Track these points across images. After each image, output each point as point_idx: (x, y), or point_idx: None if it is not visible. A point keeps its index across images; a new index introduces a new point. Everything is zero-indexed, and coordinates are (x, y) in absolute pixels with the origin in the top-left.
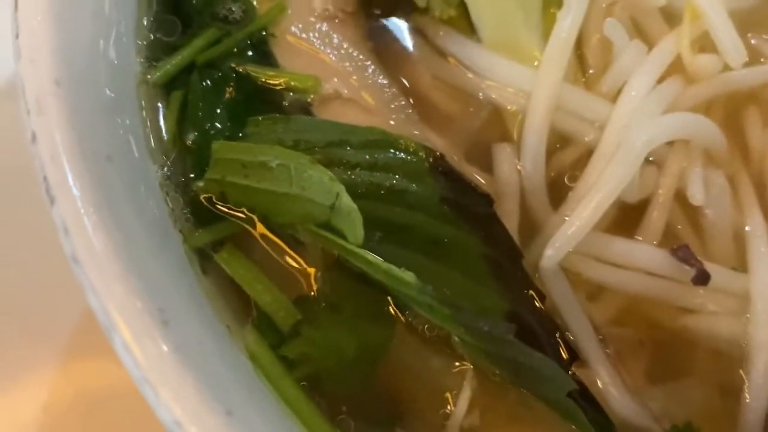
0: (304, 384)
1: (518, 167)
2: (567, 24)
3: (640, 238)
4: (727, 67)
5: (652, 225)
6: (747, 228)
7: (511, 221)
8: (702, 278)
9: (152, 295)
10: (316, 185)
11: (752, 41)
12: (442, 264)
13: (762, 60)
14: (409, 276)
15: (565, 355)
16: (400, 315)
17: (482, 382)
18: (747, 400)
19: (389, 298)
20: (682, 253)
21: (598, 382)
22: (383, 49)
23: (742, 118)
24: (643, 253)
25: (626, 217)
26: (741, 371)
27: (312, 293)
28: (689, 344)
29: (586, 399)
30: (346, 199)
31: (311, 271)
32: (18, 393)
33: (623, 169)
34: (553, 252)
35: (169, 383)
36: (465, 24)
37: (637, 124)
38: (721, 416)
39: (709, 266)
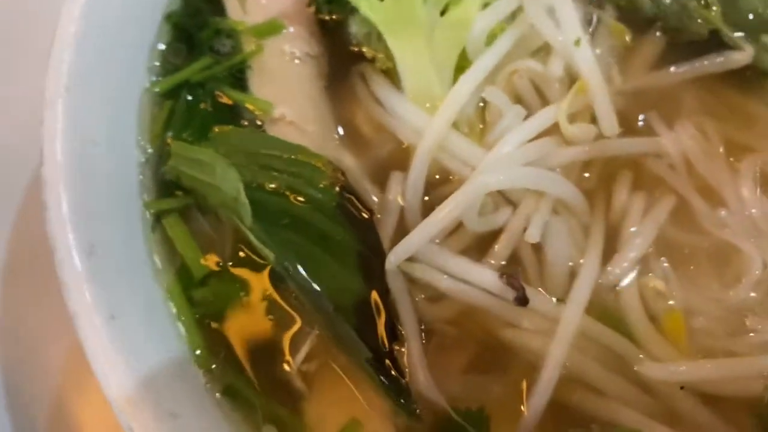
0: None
1: (400, 192)
2: (463, 87)
3: (492, 261)
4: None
5: (498, 252)
6: (582, 267)
7: (387, 231)
8: (521, 301)
9: (87, 233)
10: (228, 181)
11: (640, 117)
12: (326, 252)
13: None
14: (269, 254)
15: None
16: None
17: (324, 341)
18: (527, 407)
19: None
20: (507, 278)
21: (408, 360)
22: (333, 86)
23: (615, 179)
24: (477, 272)
25: (486, 243)
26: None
27: (223, 257)
28: (506, 350)
29: (395, 368)
30: (242, 195)
31: (226, 241)
32: None
33: (455, 202)
34: (394, 258)
35: (80, 292)
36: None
37: (489, 170)
38: (511, 413)
39: (533, 292)
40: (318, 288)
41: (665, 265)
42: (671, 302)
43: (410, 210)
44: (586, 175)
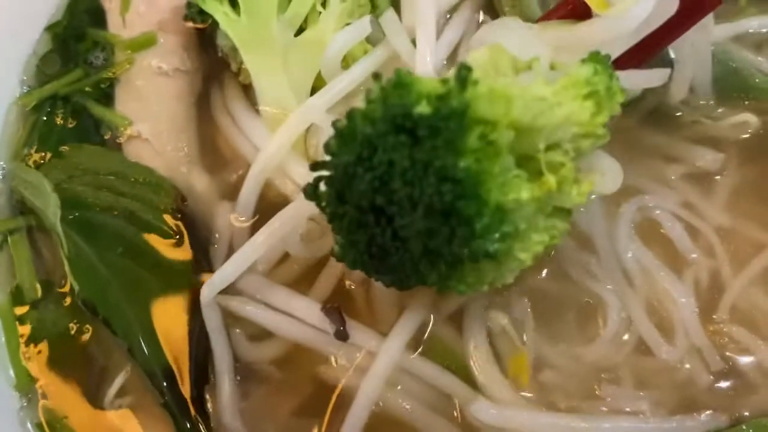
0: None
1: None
2: (307, 110)
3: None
4: None
5: (322, 282)
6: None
7: (220, 260)
8: (341, 335)
9: None
10: (50, 207)
11: None
12: (160, 282)
13: None
14: (76, 285)
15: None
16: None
17: (136, 379)
18: None
19: None
20: (327, 311)
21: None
22: (200, 106)
23: None
24: (299, 304)
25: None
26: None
27: (56, 283)
28: (329, 390)
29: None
30: (58, 222)
31: (59, 266)
32: None
33: (272, 228)
34: (207, 291)
35: None
36: None
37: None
38: None
39: (357, 327)
40: (126, 325)
41: (526, 301)
42: (520, 345)
43: (240, 237)
44: None
